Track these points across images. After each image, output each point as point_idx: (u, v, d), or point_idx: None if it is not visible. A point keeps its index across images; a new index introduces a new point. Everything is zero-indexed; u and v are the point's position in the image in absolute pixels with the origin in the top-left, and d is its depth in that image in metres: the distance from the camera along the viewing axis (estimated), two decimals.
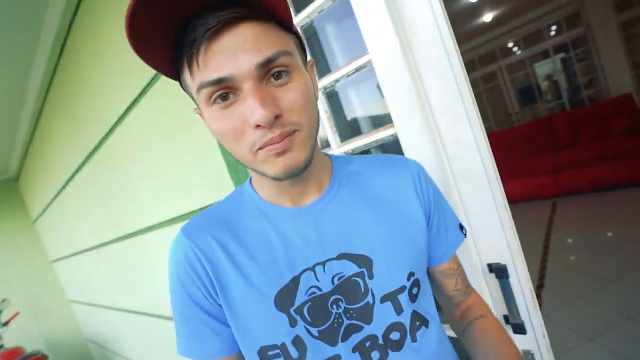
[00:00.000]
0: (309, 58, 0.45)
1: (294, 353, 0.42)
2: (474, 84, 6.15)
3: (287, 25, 0.39)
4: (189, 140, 1.13)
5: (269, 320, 0.42)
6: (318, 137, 0.43)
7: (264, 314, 0.42)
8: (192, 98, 0.39)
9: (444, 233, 0.52)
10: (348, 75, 0.75)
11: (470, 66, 5.99)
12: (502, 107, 5.98)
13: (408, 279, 0.45)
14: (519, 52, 5.55)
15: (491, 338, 0.51)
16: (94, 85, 1.53)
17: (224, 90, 0.35)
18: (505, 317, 0.71)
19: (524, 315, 0.68)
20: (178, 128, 1.15)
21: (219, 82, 0.34)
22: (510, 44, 5.58)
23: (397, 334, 0.44)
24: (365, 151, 0.85)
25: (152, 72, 1.13)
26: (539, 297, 2.22)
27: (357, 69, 0.73)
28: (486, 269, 0.70)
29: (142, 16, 0.31)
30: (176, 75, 0.39)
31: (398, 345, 0.44)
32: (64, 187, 2.48)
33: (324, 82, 0.79)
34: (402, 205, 0.48)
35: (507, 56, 5.66)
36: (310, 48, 0.83)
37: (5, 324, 3.01)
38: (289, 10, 0.38)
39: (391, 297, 0.44)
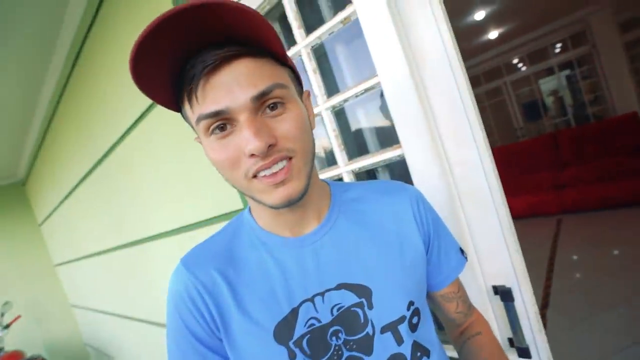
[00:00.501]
0: (305, 87, 0.47)
1: None
2: (478, 99, 6.19)
3: (281, 60, 0.40)
4: (196, 154, 1.15)
5: (269, 355, 0.41)
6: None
7: (263, 348, 0.42)
8: (193, 128, 0.41)
9: (444, 258, 0.53)
10: (357, 96, 0.77)
11: (475, 81, 6.03)
12: (507, 122, 5.99)
13: (408, 309, 0.45)
14: (524, 68, 5.59)
15: (484, 352, 0.52)
16: (106, 94, 1.57)
17: (222, 122, 0.37)
18: (510, 340, 0.70)
19: (529, 339, 0.68)
20: (186, 141, 1.17)
21: (216, 114, 0.36)
22: (515, 60, 5.62)
23: None
24: (371, 170, 0.86)
25: None
26: (543, 317, 2.18)
27: (366, 90, 0.75)
28: (491, 291, 0.70)
29: (145, 58, 0.33)
30: (177, 107, 0.41)
31: None
32: (70, 192, 2.51)
33: (332, 102, 0.81)
34: (401, 232, 0.48)
35: (512, 72, 5.71)
36: (320, 67, 0.85)
37: (7, 326, 3.01)
38: (282, 46, 0.40)
39: (391, 328, 0.44)
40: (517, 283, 0.67)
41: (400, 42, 0.65)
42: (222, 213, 1.13)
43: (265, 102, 0.37)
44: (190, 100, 0.37)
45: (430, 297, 0.56)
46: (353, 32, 0.76)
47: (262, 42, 0.37)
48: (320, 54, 0.88)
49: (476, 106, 0.66)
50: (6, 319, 3.06)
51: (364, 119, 0.89)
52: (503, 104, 5.97)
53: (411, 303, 0.46)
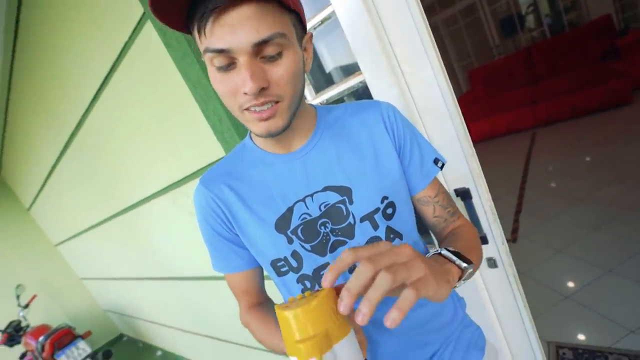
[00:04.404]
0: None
1: (294, 263, 0.55)
2: (453, 19, 5.96)
3: (287, 5, 0.42)
4: (171, 108, 1.15)
5: (272, 241, 0.54)
6: None
7: (268, 236, 0.54)
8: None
9: (418, 164, 0.58)
10: (315, 28, 0.78)
11: (448, 1, 5.76)
12: (483, 41, 5.87)
13: (382, 202, 0.54)
14: None
15: (458, 235, 0.57)
16: (61, 65, 1.49)
17: (224, 58, 0.41)
18: None
19: (485, 228, 0.79)
20: (158, 97, 1.16)
21: (220, 51, 0.40)
22: None
23: None
24: (339, 99, 0.90)
25: (120, 44, 1.11)
26: (516, 221, 2.42)
27: (323, 21, 0.76)
28: (454, 194, 0.80)
29: None
30: (188, 31, 0.44)
31: None
32: (51, 171, 2.48)
33: None
34: (375, 141, 0.56)
35: None
36: None
37: (26, 306, 3.18)
38: None
39: (368, 217, 0.54)
40: (473, 183, 0.76)
41: None
42: (208, 163, 1.17)
43: (264, 48, 0.41)
44: (199, 33, 0.41)
45: (411, 200, 0.62)
46: None
47: None
48: None
49: (429, 28, 0.69)
50: (23, 300, 3.23)
51: (326, 52, 0.91)
52: (478, 22, 5.78)
53: (385, 197, 0.54)
